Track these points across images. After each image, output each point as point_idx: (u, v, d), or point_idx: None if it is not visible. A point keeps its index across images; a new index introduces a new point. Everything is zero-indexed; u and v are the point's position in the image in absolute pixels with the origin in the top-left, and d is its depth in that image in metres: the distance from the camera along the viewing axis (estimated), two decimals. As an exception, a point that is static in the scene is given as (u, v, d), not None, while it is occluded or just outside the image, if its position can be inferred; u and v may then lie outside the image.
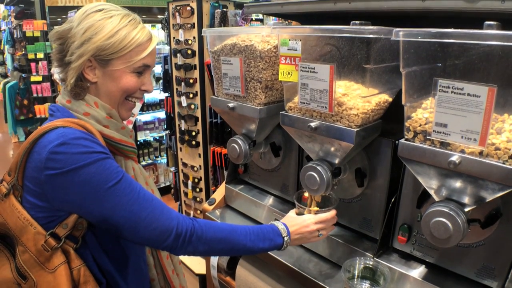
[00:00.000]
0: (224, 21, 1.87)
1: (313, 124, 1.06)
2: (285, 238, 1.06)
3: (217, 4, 1.94)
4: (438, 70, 0.82)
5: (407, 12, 1.08)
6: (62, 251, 0.87)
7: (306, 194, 1.36)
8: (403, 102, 0.90)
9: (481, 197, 0.86)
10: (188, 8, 2.01)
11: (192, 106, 2.18)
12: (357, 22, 1.06)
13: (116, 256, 0.96)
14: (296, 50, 1.07)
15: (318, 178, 1.11)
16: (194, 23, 2.04)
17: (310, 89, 1.06)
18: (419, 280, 1.07)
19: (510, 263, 0.95)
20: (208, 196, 2.33)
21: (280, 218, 1.50)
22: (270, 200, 1.59)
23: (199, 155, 2.27)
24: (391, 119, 1.15)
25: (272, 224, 1.10)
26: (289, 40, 1.08)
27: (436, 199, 0.93)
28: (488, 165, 0.78)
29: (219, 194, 1.81)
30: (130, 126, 3.68)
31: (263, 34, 1.23)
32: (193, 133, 2.24)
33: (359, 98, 1.02)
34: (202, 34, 1.45)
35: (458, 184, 0.88)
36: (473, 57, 0.77)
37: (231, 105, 1.35)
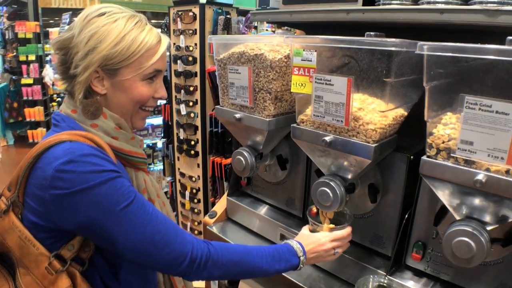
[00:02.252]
0: (227, 28, 1.84)
1: (327, 139, 1.03)
2: (301, 258, 1.02)
3: (220, 11, 1.90)
4: (463, 86, 0.79)
5: (422, 24, 1.06)
6: (67, 274, 0.80)
7: (315, 209, 1.33)
8: (425, 118, 0.87)
9: (505, 216, 0.84)
10: (190, 13, 1.97)
11: (192, 115, 2.13)
12: (372, 33, 1.04)
13: (127, 279, 0.90)
14: (311, 61, 1.03)
15: (331, 194, 1.07)
16: (196, 29, 2.00)
17: (325, 102, 1.02)
18: (435, 300, 1.04)
19: (532, 284, 0.93)
20: (206, 207, 2.28)
21: (286, 233, 1.47)
22: (274, 214, 1.55)
23: (198, 165, 2.21)
24: (403, 132, 1.12)
25: (287, 243, 1.05)
26: (303, 50, 1.04)
27: (457, 217, 0.90)
28: (514, 185, 0.76)
29: (220, 206, 1.76)
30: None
31: (274, 43, 1.19)
32: (192, 143, 2.19)
33: (376, 113, 0.99)
34: (209, 41, 1.41)
35: (480, 202, 0.86)
36: (502, 73, 0.75)
37: (237, 115, 1.31)
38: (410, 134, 1.13)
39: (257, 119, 1.26)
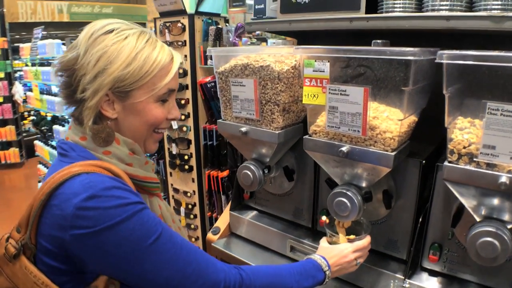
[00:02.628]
0: (219, 39, 1.82)
1: (344, 149, 1.03)
2: (327, 273, 1.01)
3: (210, 21, 1.88)
4: (483, 92, 0.82)
5: (427, 30, 1.09)
6: None
7: (324, 218, 1.33)
8: (446, 125, 0.89)
9: (526, 216, 0.86)
10: (179, 24, 1.93)
11: (184, 128, 2.09)
12: (379, 41, 1.06)
13: None
14: (324, 71, 1.04)
15: (349, 204, 1.07)
16: (185, 41, 1.96)
17: (340, 112, 1.03)
18: (457, 301, 1.05)
19: (550, 278, 0.96)
20: (203, 222, 2.23)
21: (296, 244, 1.45)
22: (281, 225, 1.53)
23: (193, 179, 2.17)
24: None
25: (311, 258, 1.04)
26: (315, 61, 1.04)
27: (477, 218, 0.92)
28: (540, 185, 0.78)
29: (222, 222, 1.73)
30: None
31: (282, 54, 1.19)
32: (186, 157, 2.14)
33: (390, 120, 1.00)
34: (207, 54, 1.39)
35: (500, 203, 0.88)
36: (520, 79, 0.77)
37: (244, 129, 1.29)
38: (416, 138, 1.15)
39: (266, 132, 1.25)
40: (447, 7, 1.04)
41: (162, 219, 0.92)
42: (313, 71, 1.06)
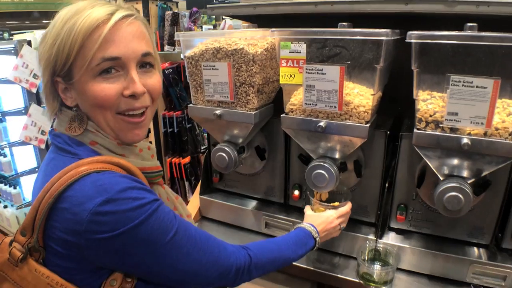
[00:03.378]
0: (176, 23, 1.77)
1: (322, 124, 1.11)
2: (317, 239, 1.09)
3: (165, 6, 1.82)
4: (447, 66, 0.94)
5: (387, 13, 1.19)
6: None
7: (296, 192, 1.41)
8: (414, 97, 1.00)
9: (480, 170, 1.02)
10: (131, 11, 1.84)
11: (140, 117, 2.02)
12: (345, 24, 1.14)
13: None
14: (300, 52, 1.09)
15: (327, 175, 1.16)
16: (138, 27, 1.86)
17: (317, 90, 1.10)
18: (422, 250, 1.21)
19: (495, 221, 1.15)
20: (167, 210, 2.20)
21: (270, 220, 1.52)
22: (253, 204, 1.59)
23: (153, 168, 2.12)
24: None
25: (302, 227, 1.11)
26: (291, 43, 1.09)
27: (441, 177, 1.06)
28: (493, 143, 0.93)
29: (192, 207, 1.73)
30: (43, 146, 3.22)
31: (253, 37, 1.22)
32: (144, 146, 2.08)
33: (360, 96, 1.10)
34: (175, 38, 1.36)
35: (462, 162, 1.02)
36: (478, 54, 0.90)
37: (218, 112, 1.31)
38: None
39: (242, 113, 1.28)
40: (404, -9, 1.15)
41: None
42: (290, 52, 1.11)
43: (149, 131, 2.06)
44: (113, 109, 0.77)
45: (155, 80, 0.83)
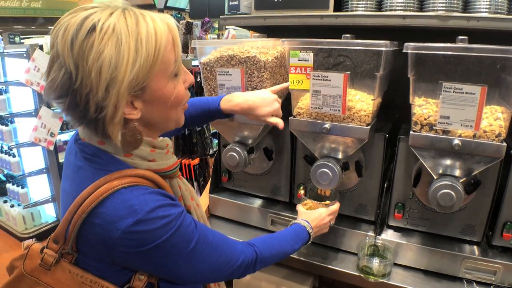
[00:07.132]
0: (190, 32, 1.90)
1: (327, 126, 1.21)
2: (311, 234, 1.18)
3: (179, 15, 1.94)
4: (440, 75, 1.04)
5: (386, 26, 1.31)
6: None
7: (301, 192, 1.51)
8: (410, 102, 1.10)
9: (471, 169, 1.11)
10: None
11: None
12: (348, 35, 1.25)
13: None
14: (308, 60, 1.20)
15: (330, 174, 1.26)
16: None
17: (323, 95, 1.20)
18: (418, 246, 1.30)
19: (486, 220, 1.24)
20: (176, 209, 2.29)
21: (276, 217, 1.61)
22: (260, 202, 1.68)
23: (163, 169, 2.22)
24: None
25: (298, 223, 1.20)
26: (300, 52, 1.21)
27: (435, 176, 1.16)
28: (482, 144, 1.03)
29: (202, 205, 1.83)
30: (51, 148, 3.32)
31: (263, 46, 1.33)
32: (155, 148, 2.19)
33: (362, 102, 1.20)
34: (192, 46, 1.48)
35: (454, 161, 1.12)
36: (469, 64, 1.01)
37: (230, 114, 1.41)
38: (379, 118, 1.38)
39: (252, 115, 1.38)
40: (402, 6, 1.27)
41: (182, 200, 0.96)
42: (298, 60, 1.22)
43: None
44: (183, 102, 0.84)
45: None
